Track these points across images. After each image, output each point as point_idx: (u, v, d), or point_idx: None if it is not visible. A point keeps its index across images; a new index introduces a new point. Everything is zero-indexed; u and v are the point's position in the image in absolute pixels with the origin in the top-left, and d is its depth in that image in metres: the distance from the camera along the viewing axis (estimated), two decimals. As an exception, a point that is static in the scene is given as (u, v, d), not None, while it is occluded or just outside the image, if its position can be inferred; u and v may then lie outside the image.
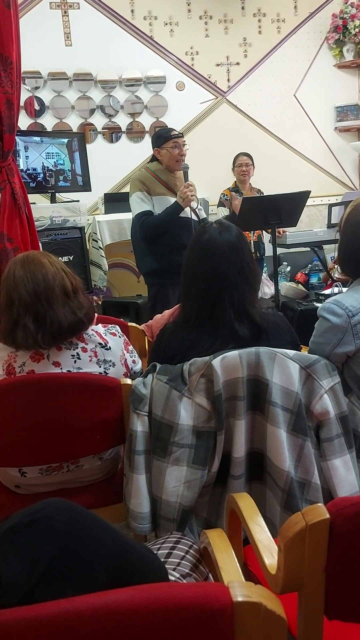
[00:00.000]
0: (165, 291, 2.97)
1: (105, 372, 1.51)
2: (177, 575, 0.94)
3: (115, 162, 4.57)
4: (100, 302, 4.24)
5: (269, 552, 0.90)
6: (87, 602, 0.49)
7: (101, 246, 3.99)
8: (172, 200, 2.84)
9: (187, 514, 1.35)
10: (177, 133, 2.91)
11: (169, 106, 4.68)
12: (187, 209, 2.85)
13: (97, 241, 4.02)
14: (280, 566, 0.78)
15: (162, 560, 0.97)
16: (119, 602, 0.50)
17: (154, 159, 3.00)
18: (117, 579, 0.58)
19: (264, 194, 4.08)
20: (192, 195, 2.76)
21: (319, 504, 0.77)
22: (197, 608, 0.53)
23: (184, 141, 2.93)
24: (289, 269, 4.74)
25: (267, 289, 4.53)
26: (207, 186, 4.43)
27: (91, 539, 0.62)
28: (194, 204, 2.83)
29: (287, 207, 3.06)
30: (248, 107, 4.85)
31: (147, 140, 4.69)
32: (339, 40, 4.85)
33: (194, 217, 2.87)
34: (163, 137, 2.90)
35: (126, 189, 4.67)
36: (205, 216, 3.06)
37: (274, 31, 4.83)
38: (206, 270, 1.44)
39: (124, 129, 4.68)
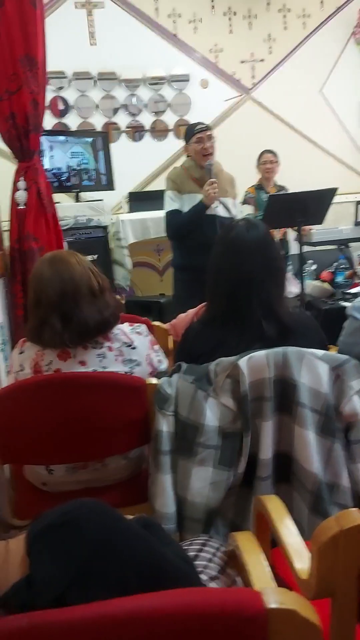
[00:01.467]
0: (188, 287, 2.96)
1: (130, 371, 1.51)
2: (205, 578, 0.93)
3: (139, 161, 4.58)
4: (123, 301, 4.26)
5: (300, 556, 0.88)
6: (120, 606, 0.49)
7: (124, 245, 4.00)
8: (200, 197, 2.83)
9: (213, 514, 1.34)
10: (201, 127, 2.87)
11: (193, 104, 4.68)
12: (217, 205, 2.83)
13: (120, 240, 4.04)
14: (313, 571, 0.76)
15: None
16: (152, 607, 0.49)
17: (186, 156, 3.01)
18: (148, 585, 0.57)
19: (288, 191, 4.03)
20: (214, 192, 2.74)
21: (353, 509, 0.75)
22: (230, 614, 0.52)
23: (210, 135, 2.88)
24: (314, 267, 4.68)
25: (292, 287, 4.49)
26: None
27: (123, 542, 0.61)
28: (216, 203, 2.81)
29: (314, 205, 3.02)
30: (273, 104, 4.81)
31: (171, 138, 4.69)
32: (366, 34, 4.78)
33: (222, 214, 2.85)
34: (188, 132, 2.90)
35: (150, 187, 4.70)
36: (234, 214, 3.03)
37: (300, 27, 4.78)
38: (233, 268, 1.43)
39: (147, 127, 4.69)
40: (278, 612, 0.54)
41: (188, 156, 2.98)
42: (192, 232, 2.84)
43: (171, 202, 2.91)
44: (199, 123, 2.93)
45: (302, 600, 0.57)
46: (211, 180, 2.77)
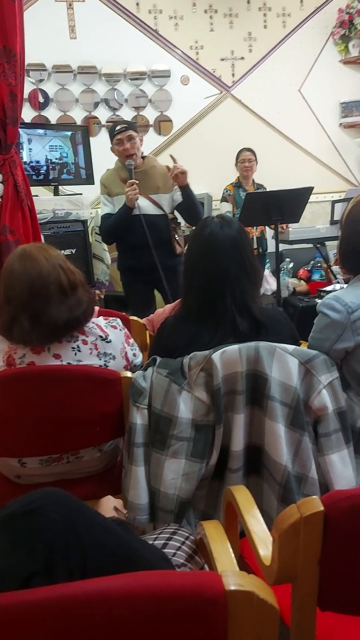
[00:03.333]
0: (131, 289, 3.00)
1: (105, 364, 1.52)
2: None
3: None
4: (102, 296, 4.25)
5: (264, 544, 0.91)
6: (83, 588, 0.50)
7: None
8: None
9: (185, 506, 1.36)
10: (120, 127, 2.76)
11: (174, 100, 4.67)
12: (148, 205, 2.78)
13: (100, 235, 4.02)
14: (275, 557, 0.79)
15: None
16: (114, 588, 0.50)
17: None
18: (113, 572, 0.58)
19: (266, 190, 4.07)
20: (133, 194, 2.67)
21: (313, 497, 0.78)
22: (190, 596, 0.54)
23: (131, 135, 2.74)
24: (291, 265, 4.75)
25: (269, 285, 4.54)
26: (210, 181, 4.42)
27: (87, 531, 0.62)
28: (142, 202, 2.74)
29: (290, 203, 3.06)
30: (252, 102, 4.84)
31: (152, 134, 4.68)
32: (344, 35, 4.82)
33: (153, 211, 2.79)
34: (110, 133, 2.82)
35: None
36: (165, 212, 2.90)
37: (280, 26, 4.81)
38: (207, 265, 1.45)
39: (128, 122, 4.67)
40: (237, 594, 0.56)
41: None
42: (125, 234, 2.82)
43: (103, 206, 2.91)
44: (119, 123, 2.84)
45: (260, 582, 0.60)
46: (130, 181, 2.69)
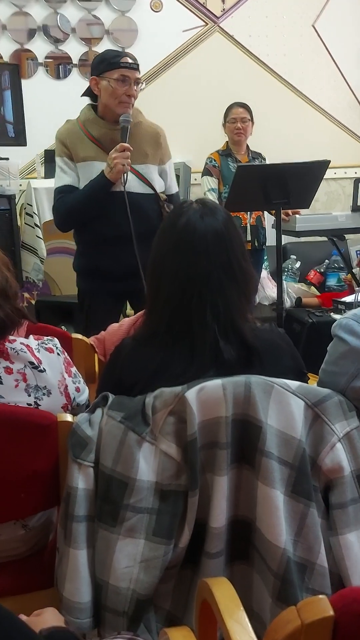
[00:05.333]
0: (95, 301, 2.87)
1: (36, 403, 1.52)
2: None
3: (62, 106, 4.55)
4: (33, 302, 4.24)
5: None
6: None
7: (37, 224, 3.99)
8: (103, 168, 2.66)
9: (142, 605, 1.36)
10: (130, 62, 2.68)
11: (140, 32, 4.73)
12: (132, 180, 2.69)
13: (32, 216, 4.02)
14: None
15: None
16: None
17: (89, 94, 2.80)
18: None
19: (266, 161, 4.13)
20: (123, 164, 2.58)
21: (320, 596, 0.79)
22: None
23: (140, 79, 2.72)
24: (298, 264, 4.82)
25: (267, 291, 4.60)
26: (189, 147, 4.48)
27: None
28: (127, 176, 2.64)
29: (298, 181, 3.11)
30: (249, 39, 4.92)
31: (108, 77, 4.72)
32: None
33: (138, 190, 2.71)
34: (108, 61, 2.67)
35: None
36: (176, 191, 2.95)
37: None
38: (181, 267, 1.46)
39: (75, 60, 4.70)
40: None
41: (90, 101, 2.80)
42: (94, 219, 2.71)
43: (61, 175, 2.76)
44: (124, 54, 2.77)
45: None
46: (123, 144, 2.60)
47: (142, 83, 2.77)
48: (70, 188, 2.72)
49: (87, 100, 2.83)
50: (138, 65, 2.72)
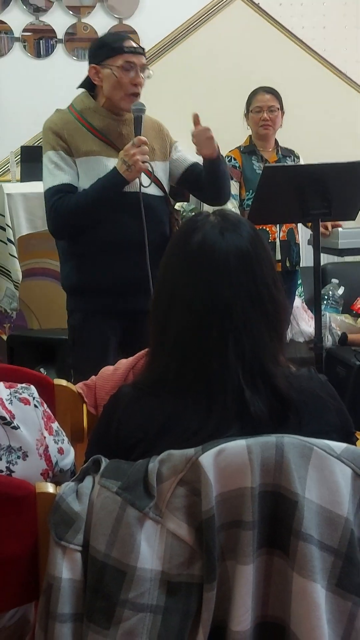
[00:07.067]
0: (89, 328, 2.97)
1: (8, 469, 1.52)
2: None
3: (44, 91, 4.63)
4: (4, 337, 4.24)
5: None
6: None
7: (11, 239, 4.01)
8: (111, 163, 2.83)
9: None
10: (135, 46, 2.90)
11: (142, 1, 4.79)
12: (150, 184, 2.87)
13: (4, 229, 4.05)
14: None
15: None
16: None
17: (86, 85, 2.99)
18: None
19: (300, 161, 4.15)
20: (144, 162, 2.75)
21: None
22: None
23: (146, 64, 2.93)
24: (341, 290, 4.82)
25: (302, 324, 4.59)
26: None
27: None
28: (146, 178, 2.83)
29: (340, 186, 3.13)
30: (279, 8, 4.99)
31: (101, 56, 4.79)
32: None
33: (153, 192, 2.90)
34: (109, 46, 2.87)
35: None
36: (166, 192, 3.06)
37: None
38: (196, 297, 1.47)
39: (60, 34, 4.77)
40: None
41: (87, 89, 2.97)
42: (97, 224, 2.85)
43: (55, 172, 2.89)
44: (127, 37, 2.96)
45: None
46: (140, 138, 2.79)
47: (150, 70, 2.93)
48: (69, 187, 2.87)
49: (77, 85, 2.94)
50: (144, 49, 2.92)
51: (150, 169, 2.82)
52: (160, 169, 2.98)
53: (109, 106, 2.90)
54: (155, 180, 2.91)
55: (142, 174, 2.82)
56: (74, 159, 2.88)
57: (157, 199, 2.94)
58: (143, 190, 2.85)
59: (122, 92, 2.84)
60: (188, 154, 3.11)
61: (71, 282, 3.01)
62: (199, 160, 3.05)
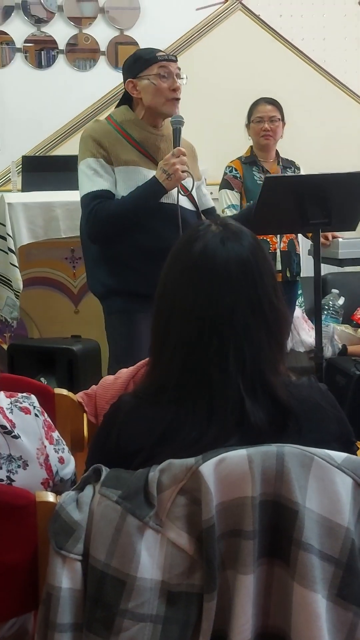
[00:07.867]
0: (136, 328, 3.01)
1: (9, 478, 1.52)
2: None
3: (45, 102, 4.64)
4: (5, 346, 4.23)
5: None
6: None
7: (12, 248, 4.01)
8: (150, 174, 2.91)
9: None
10: (166, 55, 3.01)
11: (143, 11, 4.82)
12: (192, 188, 2.97)
13: (5, 239, 4.04)
14: None
15: None
16: None
17: (123, 102, 3.10)
18: None
19: (301, 172, 4.16)
20: (183, 172, 2.84)
21: None
22: None
23: (179, 73, 3.00)
24: (341, 301, 4.82)
25: (303, 334, 4.59)
26: (204, 154, 4.47)
27: None
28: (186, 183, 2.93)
29: (341, 196, 3.14)
30: (279, 19, 5.00)
31: (103, 66, 4.80)
32: None
33: (187, 206, 2.98)
34: (143, 59, 2.98)
35: (61, 150, 4.72)
36: (211, 206, 3.19)
37: None
38: (196, 305, 1.47)
39: (62, 45, 4.78)
40: None
41: (125, 103, 3.08)
42: (137, 231, 2.92)
43: (94, 178, 2.96)
44: (154, 49, 3.04)
45: None
46: (179, 149, 2.89)
47: (184, 76, 3.02)
48: (108, 193, 2.95)
49: (79, 96, 3.03)
50: (176, 56, 3.04)
51: (189, 176, 2.91)
52: (194, 187, 3.04)
53: (148, 119, 3.00)
54: (189, 196, 3.02)
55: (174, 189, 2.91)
56: (113, 167, 2.96)
57: (190, 212, 3.02)
58: (179, 202, 2.93)
59: (163, 99, 2.94)
60: (209, 195, 3.22)
61: (106, 285, 3.08)
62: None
